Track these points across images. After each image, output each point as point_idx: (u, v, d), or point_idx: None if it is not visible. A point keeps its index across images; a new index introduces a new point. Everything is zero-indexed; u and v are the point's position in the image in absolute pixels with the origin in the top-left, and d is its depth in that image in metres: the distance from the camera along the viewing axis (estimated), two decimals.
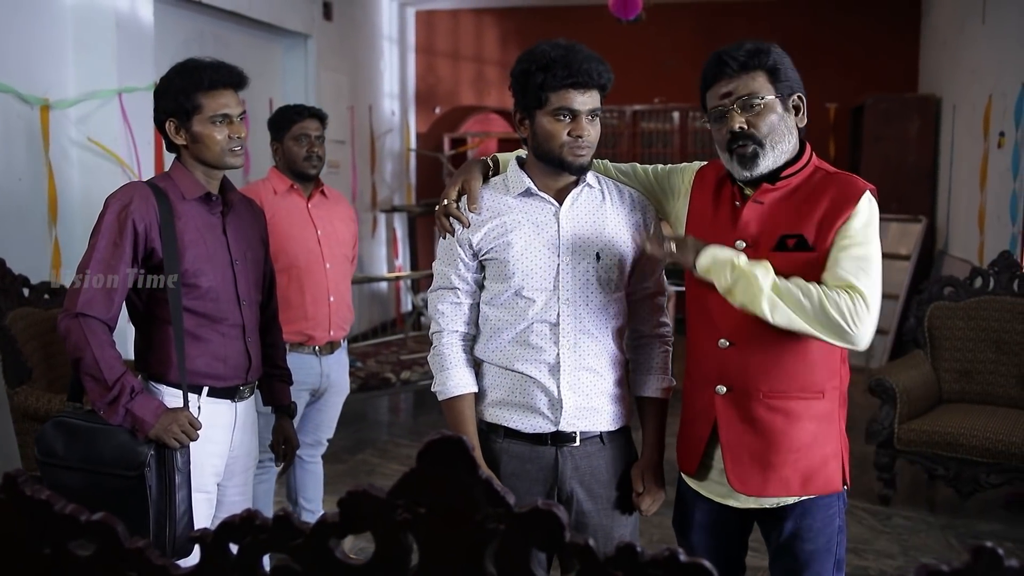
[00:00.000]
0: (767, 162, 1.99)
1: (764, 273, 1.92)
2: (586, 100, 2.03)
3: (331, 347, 3.42)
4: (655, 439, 2.21)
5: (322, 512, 3.58)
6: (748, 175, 2.01)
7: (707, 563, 0.99)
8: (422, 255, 8.63)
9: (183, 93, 2.29)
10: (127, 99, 4.46)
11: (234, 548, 1.08)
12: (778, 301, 1.90)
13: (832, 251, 1.94)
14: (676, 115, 8.75)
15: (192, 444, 2.29)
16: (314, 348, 3.35)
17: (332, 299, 3.37)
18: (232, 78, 2.34)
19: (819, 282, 1.93)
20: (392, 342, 5.98)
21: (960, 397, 4.45)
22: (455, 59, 9.40)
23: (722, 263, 1.95)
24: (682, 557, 0.98)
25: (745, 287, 1.92)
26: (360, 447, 5.04)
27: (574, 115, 2.03)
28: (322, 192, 3.46)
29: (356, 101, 7.65)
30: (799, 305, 1.89)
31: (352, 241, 3.58)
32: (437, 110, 9.41)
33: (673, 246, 2.02)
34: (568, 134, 2.04)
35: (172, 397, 2.33)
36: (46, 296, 3.94)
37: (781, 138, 1.99)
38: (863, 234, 1.94)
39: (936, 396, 4.44)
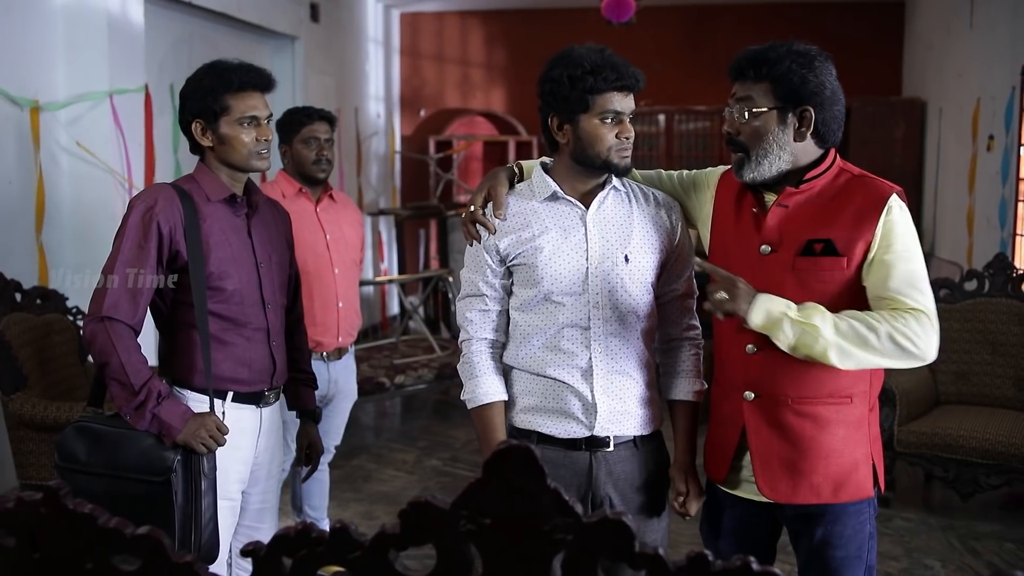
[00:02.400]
0: (752, 172, 1.99)
1: (822, 319, 1.86)
2: (628, 103, 2.07)
3: (339, 353, 3.37)
4: (688, 442, 2.20)
5: (327, 520, 3.54)
6: (741, 179, 2.03)
7: (779, 572, 0.97)
8: (409, 259, 8.59)
9: (212, 94, 2.26)
10: (118, 101, 4.40)
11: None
12: (845, 346, 1.85)
13: (873, 266, 1.92)
14: (662, 118, 8.75)
15: (218, 450, 2.25)
16: (322, 354, 3.31)
17: (341, 305, 3.32)
18: (261, 80, 2.32)
19: (849, 297, 1.93)
20: (384, 346, 5.94)
21: (957, 399, 4.46)
22: (440, 61, 9.37)
23: (777, 319, 1.87)
24: (755, 566, 0.96)
25: (809, 341, 1.86)
26: (354, 453, 4.99)
27: (619, 118, 2.05)
28: (330, 196, 3.42)
29: (342, 103, 7.60)
30: (866, 344, 1.85)
31: (360, 245, 3.55)
32: (422, 113, 9.38)
33: (723, 294, 1.91)
34: (616, 136, 2.06)
35: (197, 403, 2.29)
36: (39, 301, 3.88)
37: (768, 152, 1.97)
38: (902, 244, 1.92)
39: (933, 398, 4.45)
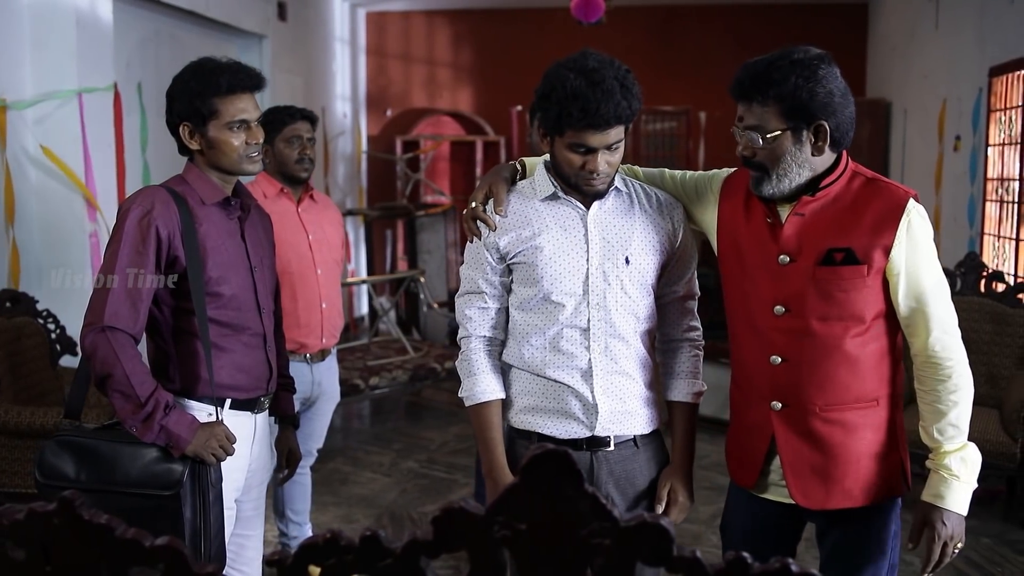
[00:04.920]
0: (771, 188, 1.96)
1: (957, 449, 2.01)
2: (604, 137, 1.97)
3: (323, 355, 3.33)
4: (685, 445, 2.18)
5: (308, 524, 3.49)
6: (758, 194, 2.00)
7: (817, 573, 0.97)
8: (377, 259, 8.53)
9: (199, 97, 2.18)
10: (86, 99, 4.31)
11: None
12: (967, 440, 2.02)
13: (907, 286, 1.95)
14: None
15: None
16: (306, 356, 3.26)
17: (324, 305, 3.28)
18: (251, 81, 2.24)
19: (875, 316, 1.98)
20: (356, 348, 5.89)
21: None
22: (406, 61, 9.32)
23: (960, 490, 1.99)
24: (794, 567, 0.95)
25: (972, 463, 2.02)
26: (329, 456, 4.93)
27: (590, 150, 1.99)
28: (311, 196, 3.37)
29: (310, 103, 7.51)
30: (968, 411, 2.01)
31: (341, 245, 3.50)
32: (388, 112, 9.32)
33: (945, 542, 1.98)
34: (582, 167, 2.00)
35: (198, 412, 2.22)
36: (8, 304, 3.79)
37: (788, 170, 1.94)
38: (928, 262, 1.95)
39: (908, 396, 4.49)
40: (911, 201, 1.95)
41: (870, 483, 2.01)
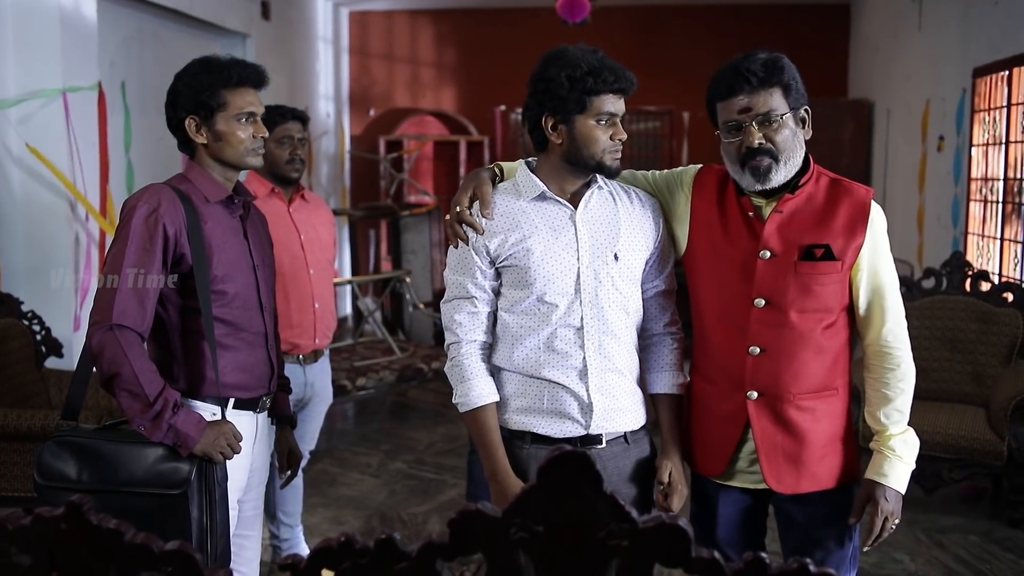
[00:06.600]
0: (779, 176, 2.05)
1: (902, 439, 2.15)
2: (621, 105, 2.07)
3: (315, 355, 3.31)
4: (676, 435, 2.22)
5: (300, 526, 3.47)
6: (760, 187, 2.06)
7: (833, 571, 0.97)
8: (362, 260, 8.50)
9: (208, 89, 2.19)
10: (71, 98, 4.27)
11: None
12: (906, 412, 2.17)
13: (868, 281, 2.08)
14: None
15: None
16: (298, 357, 3.24)
17: (317, 305, 3.26)
18: (256, 76, 2.26)
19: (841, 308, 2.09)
20: (342, 348, 5.86)
21: (917, 395, 4.43)
22: (390, 60, 9.30)
23: (902, 470, 2.13)
24: (812, 568, 0.95)
25: (911, 445, 2.16)
26: (316, 457, 4.90)
27: (613, 120, 2.06)
28: (302, 196, 3.35)
29: (293, 102, 7.46)
30: (910, 398, 2.16)
31: (332, 244, 3.48)
32: (372, 112, 9.30)
33: (886, 517, 2.12)
34: (610, 138, 2.06)
35: (202, 412, 2.20)
36: None
37: (793, 153, 2.05)
38: (886, 258, 2.09)
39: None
40: (872, 202, 2.10)
41: (834, 467, 2.15)
